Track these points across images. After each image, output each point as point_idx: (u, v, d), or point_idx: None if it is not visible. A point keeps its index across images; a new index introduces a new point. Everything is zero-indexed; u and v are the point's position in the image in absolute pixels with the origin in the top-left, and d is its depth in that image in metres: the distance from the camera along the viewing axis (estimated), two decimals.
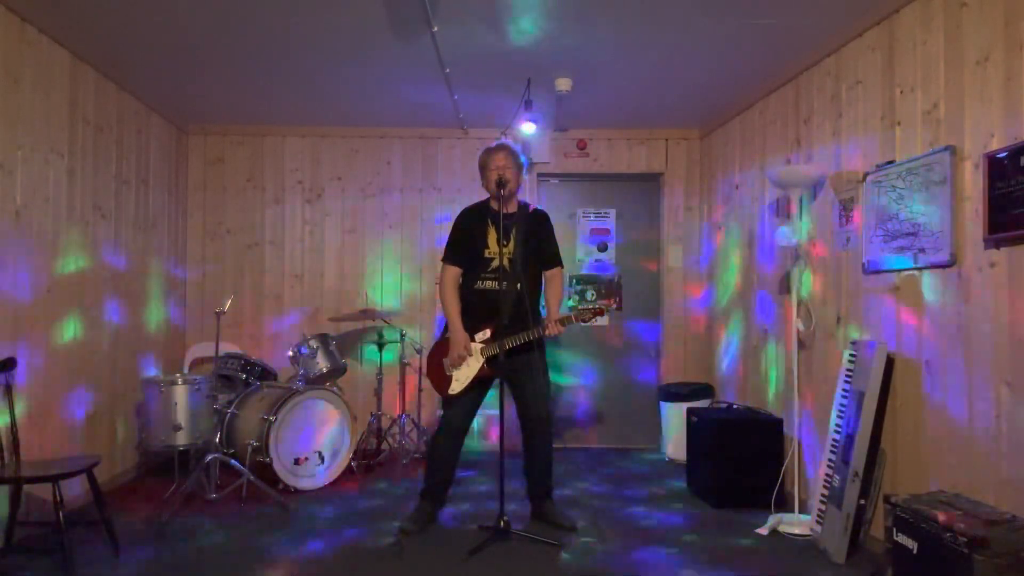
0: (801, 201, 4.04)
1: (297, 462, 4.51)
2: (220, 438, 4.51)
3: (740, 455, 4.25)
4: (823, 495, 3.56)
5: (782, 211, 4.45)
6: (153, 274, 5.14)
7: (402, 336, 5.34)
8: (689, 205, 5.95)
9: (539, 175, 5.95)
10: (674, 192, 5.96)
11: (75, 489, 4.01)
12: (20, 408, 3.45)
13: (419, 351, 5.38)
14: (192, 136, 5.77)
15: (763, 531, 3.76)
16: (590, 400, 5.99)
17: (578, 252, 6.00)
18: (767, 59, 4.20)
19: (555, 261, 3.93)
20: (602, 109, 5.33)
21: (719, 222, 5.51)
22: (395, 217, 5.88)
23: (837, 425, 3.54)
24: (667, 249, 5.95)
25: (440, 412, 3.92)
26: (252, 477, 4.19)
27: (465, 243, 3.82)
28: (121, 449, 4.68)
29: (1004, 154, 2.69)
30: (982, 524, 2.48)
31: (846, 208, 3.77)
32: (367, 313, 5.17)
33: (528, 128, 5.00)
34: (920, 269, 3.20)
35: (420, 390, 5.47)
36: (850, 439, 3.37)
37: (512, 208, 3.82)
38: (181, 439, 4.41)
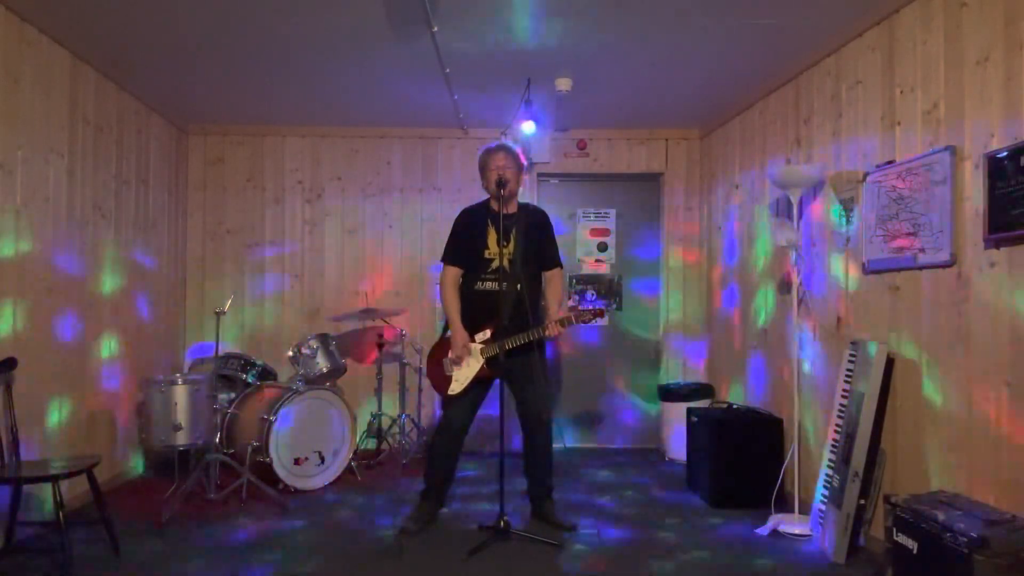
0: (801, 201, 4.04)
1: (297, 462, 4.51)
2: (220, 438, 4.51)
3: (740, 455, 4.25)
4: (823, 495, 3.56)
5: (782, 211, 4.44)
6: (153, 274, 5.14)
7: (402, 336, 5.34)
8: (689, 205, 5.95)
9: (539, 175, 5.94)
10: (674, 192, 5.96)
11: (75, 489, 4.01)
12: (20, 407, 3.45)
13: (419, 351, 5.38)
14: (192, 136, 5.77)
15: (763, 531, 3.76)
16: (590, 400, 5.99)
17: (578, 252, 6.00)
18: (767, 59, 4.20)
19: (555, 262, 3.93)
20: (602, 109, 5.33)
21: (719, 222, 5.51)
22: (395, 217, 5.88)
23: (837, 425, 3.54)
24: (667, 249, 5.95)
25: (440, 412, 3.92)
26: (252, 477, 4.19)
27: (465, 244, 3.82)
28: (121, 449, 4.68)
29: (1004, 154, 2.69)
30: (982, 524, 2.48)
31: (846, 208, 3.77)
32: (367, 313, 5.18)
33: (528, 128, 5.00)
34: (920, 269, 3.20)
35: (420, 390, 5.47)
36: (850, 439, 3.37)
37: (512, 209, 3.82)
38: (181, 439, 4.41)
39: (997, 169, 2.72)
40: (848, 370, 3.54)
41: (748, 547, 3.56)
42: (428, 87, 4.76)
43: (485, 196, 3.93)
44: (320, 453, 4.62)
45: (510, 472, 3.78)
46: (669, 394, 5.45)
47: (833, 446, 3.54)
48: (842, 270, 3.81)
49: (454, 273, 3.83)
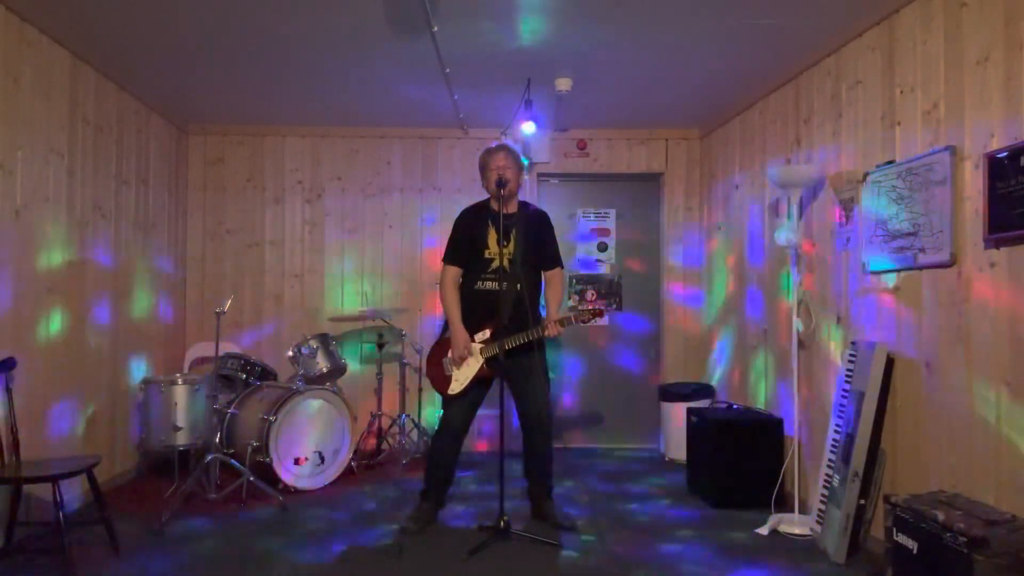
0: (801, 201, 4.04)
1: (297, 462, 4.51)
2: (220, 438, 4.51)
3: (740, 455, 4.25)
4: (823, 495, 3.56)
5: (782, 211, 4.44)
6: (153, 274, 5.14)
7: (402, 336, 5.34)
8: (689, 205, 5.95)
9: (539, 175, 5.95)
10: (674, 192, 5.96)
11: (75, 489, 4.01)
12: (20, 408, 3.45)
13: (419, 351, 5.38)
14: (192, 136, 5.77)
15: (763, 531, 3.76)
16: (590, 400, 5.99)
17: (578, 252, 6.00)
18: (767, 59, 4.20)
19: (555, 262, 3.94)
20: (602, 109, 5.33)
21: (719, 222, 5.51)
22: (395, 217, 5.88)
23: (837, 425, 3.54)
24: (667, 249, 5.95)
25: (440, 412, 3.92)
26: (252, 477, 4.19)
27: (465, 243, 3.82)
28: (121, 449, 4.68)
29: (1004, 154, 2.69)
30: (982, 524, 2.48)
31: (846, 208, 3.77)
32: (367, 313, 5.17)
33: (528, 128, 5.00)
34: (920, 269, 3.20)
35: (420, 390, 5.47)
36: (850, 439, 3.37)
37: (512, 208, 3.82)
38: (181, 439, 4.41)
39: (997, 169, 2.72)
40: (848, 370, 3.54)
41: (748, 547, 3.56)
42: (428, 87, 4.76)
43: (485, 196, 3.94)
44: (320, 453, 4.62)
45: (510, 472, 3.78)
46: (669, 394, 5.45)
47: (833, 446, 3.54)
48: (842, 270, 3.81)
49: (454, 273, 3.83)
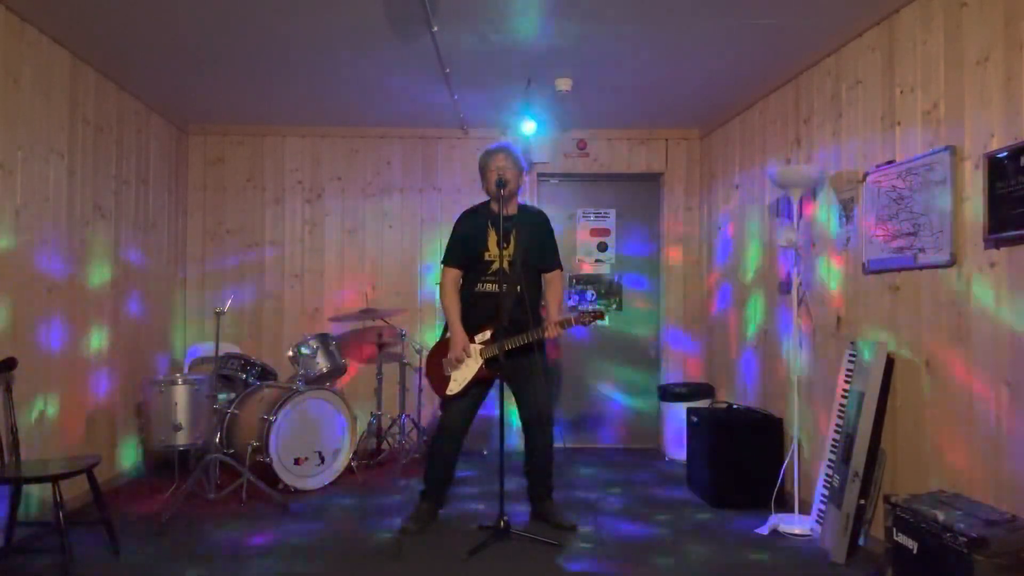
0: (801, 201, 4.04)
1: (297, 462, 4.51)
2: (220, 438, 4.51)
3: (740, 455, 4.25)
4: (823, 495, 3.56)
5: (782, 211, 4.44)
6: (153, 274, 5.14)
7: (402, 336, 5.34)
8: (689, 205, 5.95)
9: (539, 175, 5.94)
10: (674, 192, 5.96)
11: (75, 489, 4.01)
12: (20, 408, 3.45)
13: (419, 351, 5.38)
14: (192, 136, 5.77)
15: (763, 531, 3.76)
16: (590, 400, 5.99)
17: (578, 252, 6.00)
18: (767, 59, 4.20)
19: (555, 263, 3.93)
20: (602, 109, 5.33)
21: (719, 222, 5.51)
22: (395, 217, 5.88)
23: (837, 425, 3.54)
24: (667, 249, 5.95)
25: (440, 412, 3.92)
26: (252, 477, 4.19)
27: (465, 245, 3.82)
28: (121, 449, 4.68)
29: (1004, 154, 2.69)
30: (982, 524, 2.48)
31: (846, 208, 3.77)
32: (367, 313, 5.18)
33: (528, 128, 5.00)
34: (920, 269, 3.20)
35: (420, 390, 5.47)
36: (850, 439, 3.37)
37: (512, 210, 3.83)
38: (181, 439, 4.41)
39: (997, 169, 2.72)
40: (848, 370, 3.54)
41: (748, 547, 3.56)
42: (428, 87, 4.76)
43: (485, 197, 3.94)
44: (320, 453, 4.62)
45: (510, 472, 3.78)
46: (669, 394, 5.45)
47: (833, 446, 3.54)
48: (842, 270, 3.81)
49: (454, 275, 3.83)
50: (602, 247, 6.02)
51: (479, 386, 3.76)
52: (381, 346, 5.33)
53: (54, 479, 3.12)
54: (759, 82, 4.59)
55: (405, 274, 5.86)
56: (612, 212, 6.03)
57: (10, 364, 3.37)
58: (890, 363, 3.35)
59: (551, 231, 3.97)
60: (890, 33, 3.45)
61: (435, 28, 3.70)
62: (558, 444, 3.96)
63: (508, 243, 3.74)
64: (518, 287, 3.71)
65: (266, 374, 5.13)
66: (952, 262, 2.99)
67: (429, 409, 5.63)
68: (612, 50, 4.12)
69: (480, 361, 3.70)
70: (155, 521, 3.80)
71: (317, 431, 4.62)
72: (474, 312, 3.78)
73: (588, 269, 6.00)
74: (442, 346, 3.82)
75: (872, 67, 3.58)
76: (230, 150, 5.82)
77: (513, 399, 3.84)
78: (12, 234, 3.54)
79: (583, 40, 3.98)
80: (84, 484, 3.38)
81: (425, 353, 4.17)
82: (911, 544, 2.70)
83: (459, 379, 3.72)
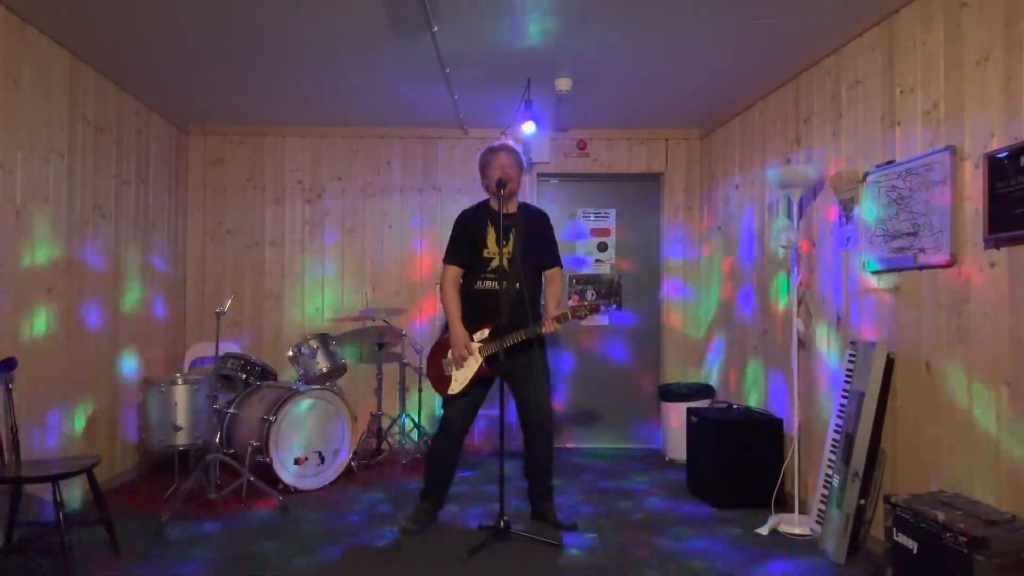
0: (801, 201, 4.04)
1: (297, 462, 4.51)
2: (220, 438, 4.51)
3: (740, 455, 4.25)
4: (823, 495, 3.56)
5: (782, 211, 4.44)
6: (153, 274, 5.14)
7: (402, 336, 5.34)
8: (689, 205, 5.95)
9: (539, 175, 5.94)
10: (674, 192, 5.96)
11: (75, 489, 4.01)
12: (20, 408, 3.45)
13: (419, 351, 5.38)
14: (192, 136, 5.77)
15: (763, 531, 3.76)
16: (590, 400, 5.99)
17: (578, 252, 6.00)
18: (767, 59, 4.20)
19: (554, 261, 3.93)
20: (602, 109, 5.33)
21: (719, 222, 5.51)
22: (395, 217, 5.88)
23: (837, 425, 3.54)
24: (667, 249, 5.94)
25: (440, 412, 3.92)
26: (252, 477, 4.19)
27: (465, 244, 3.82)
28: (121, 449, 4.68)
29: (1004, 154, 2.69)
30: (982, 524, 2.48)
31: (846, 208, 3.77)
32: (367, 313, 5.18)
33: (528, 128, 5.00)
34: (920, 269, 3.20)
35: (420, 390, 5.47)
36: (850, 439, 3.37)
37: (512, 208, 3.83)
38: (181, 439, 4.41)
39: (997, 169, 2.72)
40: (848, 370, 3.54)
41: (748, 547, 3.56)
42: (428, 87, 4.76)
43: (485, 196, 3.94)
44: (320, 453, 4.62)
45: (510, 472, 3.78)
46: (669, 394, 5.45)
47: (833, 446, 3.54)
48: (842, 270, 3.81)
49: (454, 273, 3.83)
50: (602, 247, 6.02)
51: (479, 385, 3.75)
52: (381, 346, 5.33)
53: (54, 479, 3.12)
54: (759, 82, 4.59)
55: (405, 274, 5.86)
56: (612, 212, 6.03)
57: (10, 364, 3.38)
58: (890, 363, 3.35)
59: (550, 229, 3.97)
60: (890, 33, 3.45)
61: (435, 28, 3.71)
62: (557, 444, 3.96)
63: (508, 241, 3.74)
64: (517, 284, 3.71)
65: (266, 374, 5.13)
66: (952, 262, 2.99)
67: (429, 409, 5.63)
68: (612, 50, 4.12)
69: (480, 359, 3.70)
70: (155, 521, 3.80)
71: (317, 431, 4.62)
72: (474, 310, 3.78)
73: (588, 269, 6.00)
74: (442, 345, 3.82)
75: (872, 67, 3.58)
76: (230, 150, 5.82)
77: (513, 399, 3.84)
78: (12, 234, 3.54)
79: (583, 40, 3.98)
80: (84, 484, 3.38)
81: (425, 353, 4.17)
82: (911, 544, 2.70)
83: (460, 378, 3.72)
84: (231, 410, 4.67)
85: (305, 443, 4.56)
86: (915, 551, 2.68)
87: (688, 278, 5.92)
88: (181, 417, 4.39)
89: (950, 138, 3.02)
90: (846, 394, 3.51)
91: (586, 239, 6.02)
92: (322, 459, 4.62)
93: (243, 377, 4.99)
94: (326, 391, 4.73)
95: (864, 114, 3.65)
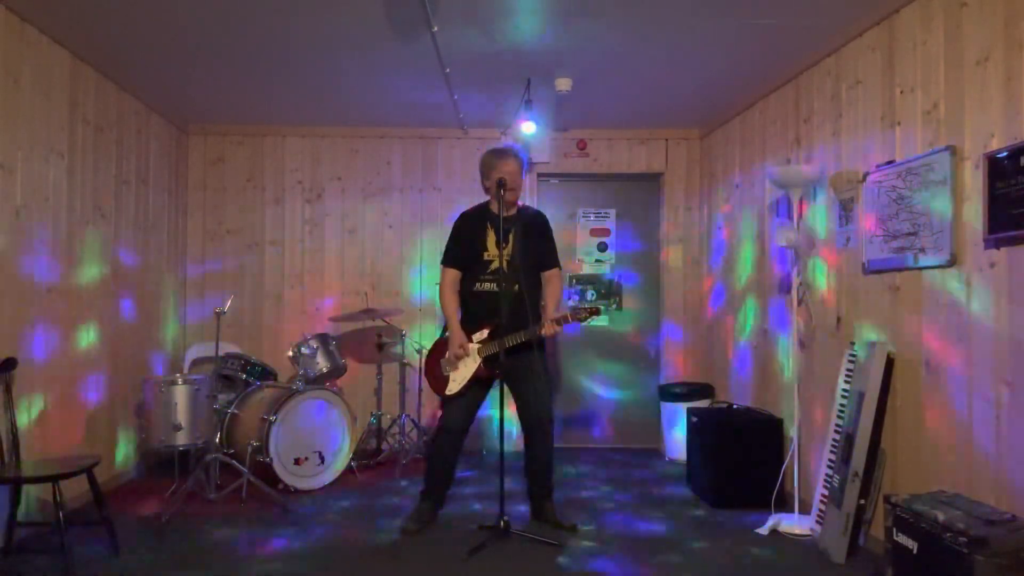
0: (801, 201, 4.04)
1: (297, 462, 4.51)
2: (220, 438, 4.51)
3: (740, 455, 4.25)
4: (823, 495, 3.56)
5: (782, 211, 4.45)
6: (153, 274, 5.14)
7: (402, 336, 5.34)
8: (689, 205, 5.95)
9: (539, 175, 5.94)
10: (674, 192, 5.96)
11: (75, 489, 4.00)
12: (20, 408, 3.45)
13: (419, 351, 5.38)
14: (192, 136, 5.77)
15: (763, 531, 3.76)
16: (590, 400, 5.99)
17: (578, 252, 6.00)
18: (767, 59, 4.20)
19: (553, 263, 3.93)
20: (602, 109, 5.33)
21: (719, 222, 5.51)
22: (395, 217, 5.88)
23: (837, 425, 3.54)
24: (667, 249, 5.95)
25: (440, 412, 3.92)
26: (252, 477, 4.19)
27: (464, 245, 3.83)
28: (121, 449, 4.68)
29: (1004, 154, 2.69)
30: (982, 524, 2.48)
31: (846, 208, 3.77)
32: (367, 313, 5.18)
33: (528, 128, 5.00)
34: (920, 269, 3.20)
35: (420, 390, 5.47)
36: (850, 439, 3.37)
37: (512, 210, 3.82)
38: (181, 439, 4.41)
39: (997, 169, 2.72)
40: (848, 370, 3.54)
41: (748, 547, 3.56)
42: (428, 87, 4.76)
43: (485, 197, 3.94)
44: (320, 453, 4.62)
45: (510, 472, 3.78)
46: (669, 394, 5.45)
47: (833, 446, 3.54)
48: (842, 270, 3.81)
49: (453, 275, 3.83)
50: (602, 247, 6.02)
51: (478, 386, 3.75)
52: (381, 346, 5.33)
53: (54, 479, 3.12)
54: (759, 82, 4.59)
55: (405, 274, 5.86)
56: (612, 212, 6.03)
57: (10, 364, 3.38)
58: (890, 363, 3.35)
59: (549, 231, 3.97)
60: (890, 33, 3.45)
61: (435, 28, 3.71)
62: (558, 444, 3.96)
63: (507, 243, 3.74)
64: (516, 286, 3.71)
65: (266, 374, 5.13)
66: (952, 262, 2.99)
67: (429, 409, 5.63)
68: (612, 50, 4.12)
69: (478, 360, 3.70)
70: (155, 521, 3.80)
71: (317, 431, 4.62)
72: (473, 311, 3.78)
73: (588, 269, 6.00)
74: (441, 345, 3.82)
75: (872, 67, 3.58)
76: (230, 150, 5.82)
77: (513, 399, 3.84)
78: (12, 234, 3.54)
79: (583, 40, 3.98)
80: (84, 484, 3.38)
81: (425, 353, 4.17)
82: (911, 544, 2.70)
83: (458, 379, 3.72)
84: (231, 410, 4.67)
85: (305, 443, 4.56)
86: (915, 551, 2.68)
87: (688, 278, 5.92)
88: (181, 417, 4.39)
89: (950, 138, 3.02)
90: (846, 394, 3.51)
91: (586, 239, 6.01)
92: (322, 459, 4.62)
93: (243, 377, 4.99)
94: (326, 391, 4.73)
95: (864, 114, 3.65)
